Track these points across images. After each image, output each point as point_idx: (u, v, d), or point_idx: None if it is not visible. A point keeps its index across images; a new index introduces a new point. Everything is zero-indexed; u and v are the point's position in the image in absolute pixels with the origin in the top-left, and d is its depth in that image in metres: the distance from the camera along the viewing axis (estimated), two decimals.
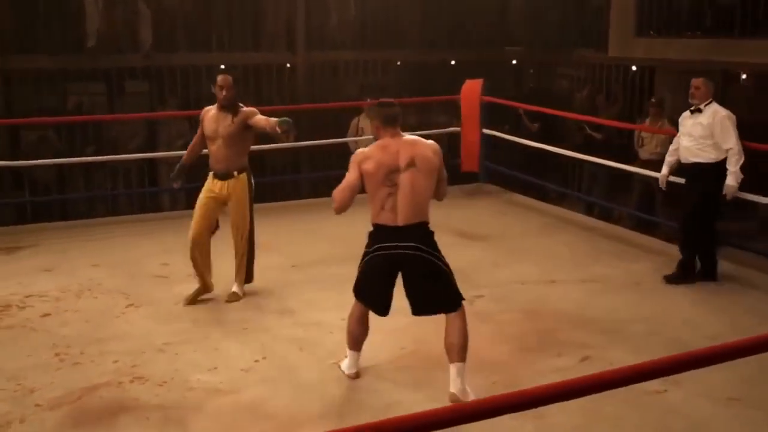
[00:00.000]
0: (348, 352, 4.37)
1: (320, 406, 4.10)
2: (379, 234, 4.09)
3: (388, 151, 4.06)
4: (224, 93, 5.35)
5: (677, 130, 6.14)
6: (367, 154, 4.09)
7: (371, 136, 9.58)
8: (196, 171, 5.96)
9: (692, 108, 5.82)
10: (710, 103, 5.75)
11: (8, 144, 8.82)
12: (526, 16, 11.65)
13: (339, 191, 4.10)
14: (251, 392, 4.24)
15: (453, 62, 11.19)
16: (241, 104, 5.45)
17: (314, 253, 6.67)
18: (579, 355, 4.65)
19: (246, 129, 5.39)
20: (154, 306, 5.45)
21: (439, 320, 4.20)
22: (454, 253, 6.69)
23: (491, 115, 8.99)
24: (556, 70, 11.75)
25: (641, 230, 7.64)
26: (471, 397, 3.97)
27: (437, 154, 4.13)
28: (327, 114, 9.94)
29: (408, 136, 4.18)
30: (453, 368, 4.04)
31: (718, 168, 5.69)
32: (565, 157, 8.51)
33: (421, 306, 4.14)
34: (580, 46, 10.74)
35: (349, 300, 4.48)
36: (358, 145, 9.92)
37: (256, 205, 5.70)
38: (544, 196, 9.08)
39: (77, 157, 8.63)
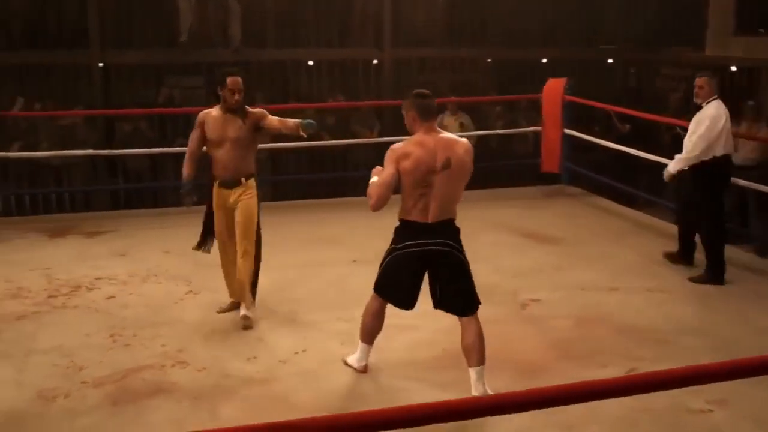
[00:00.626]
0: (360, 345, 4.37)
1: (348, 402, 4.11)
2: (408, 230, 4.05)
3: (426, 149, 3.97)
4: (236, 97, 4.97)
5: None
6: (405, 150, 4.00)
7: (454, 133, 9.56)
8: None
9: (697, 106, 5.87)
10: (713, 101, 5.76)
11: (104, 134, 9.27)
12: (622, 13, 11.23)
13: (376, 187, 4.02)
14: (284, 383, 4.30)
15: (544, 60, 10.94)
16: (246, 105, 5.12)
17: (378, 249, 6.67)
18: (626, 367, 4.43)
19: (257, 131, 5.05)
20: (211, 294, 5.59)
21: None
22: (518, 254, 6.66)
23: (580, 116, 8.74)
24: (655, 69, 11.28)
25: (729, 240, 7.24)
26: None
27: (470, 153, 4.06)
28: None
29: (443, 134, 4.10)
30: (473, 372, 3.99)
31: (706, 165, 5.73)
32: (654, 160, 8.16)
33: (442, 302, 4.11)
34: (676, 44, 10.27)
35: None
36: None
37: (340, 200, 5.64)
38: (631, 201, 8.74)
39: (170, 146, 8.99)
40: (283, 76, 9.95)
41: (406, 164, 3.97)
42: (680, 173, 5.94)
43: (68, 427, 3.84)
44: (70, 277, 5.99)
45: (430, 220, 3.99)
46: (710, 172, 5.76)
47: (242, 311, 5.05)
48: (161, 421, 3.89)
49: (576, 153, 8.83)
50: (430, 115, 4.05)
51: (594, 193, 8.68)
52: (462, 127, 9.71)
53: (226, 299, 5.43)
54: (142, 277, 6.00)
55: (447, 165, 3.96)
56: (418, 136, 4.04)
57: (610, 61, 11.50)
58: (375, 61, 10.23)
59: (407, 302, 4.15)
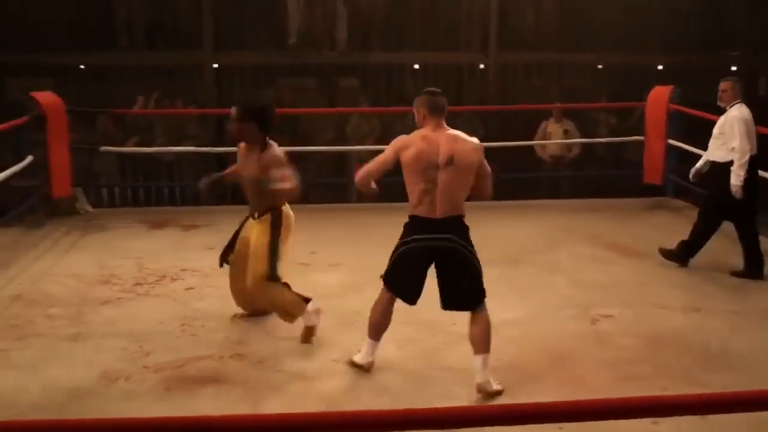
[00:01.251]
0: (367, 341, 4.36)
1: (388, 404, 4.11)
2: (415, 225, 4.14)
3: (430, 143, 4.08)
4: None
5: None
6: (408, 141, 4.13)
7: (558, 140, 9.33)
8: None
9: (722, 110, 6.08)
10: (736, 104, 5.96)
11: (215, 132, 9.69)
12: (747, 16, 10.57)
13: (370, 163, 4.26)
14: (332, 382, 4.35)
15: (660, 67, 10.47)
16: (271, 141, 4.80)
17: None
18: (686, 392, 4.21)
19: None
20: None
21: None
22: (601, 267, 6.43)
23: (693, 127, 8.32)
24: None
25: None
26: (495, 386, 4.13)
27: (477, 151, 4.12)
28: (517, 116, 9.79)
29: (451, 131, 4.14)
30: (478, 360, 4.14)
31: (727, 167, 5.89)
32: None
33: (451, 300, 4.22)
34: None
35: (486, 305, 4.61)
36: (544, 150, 9.71)
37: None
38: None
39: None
40: (388, 80, 10.05)
41: (407, 155, 4.09)
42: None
43: (120, 408, 4.04)
44: (159, 267, 6.32)
45: (437, 216, 4.06)
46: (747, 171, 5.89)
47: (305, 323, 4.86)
48: (204, 408, 4.02)
49: (685, 165, 8.41)
50: (438, 111, 4.15)
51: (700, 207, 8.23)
52: (566, 134, 9.48)
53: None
54: (223, 272, 6.18)
55: (450, 162, 4.03)
56: (424, 131, 4.15)
57: (734, 68, 10.84)
58: (482, 66, 10.15)
59: (412, 296, 4.26)
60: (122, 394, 4.22)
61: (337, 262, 6.46)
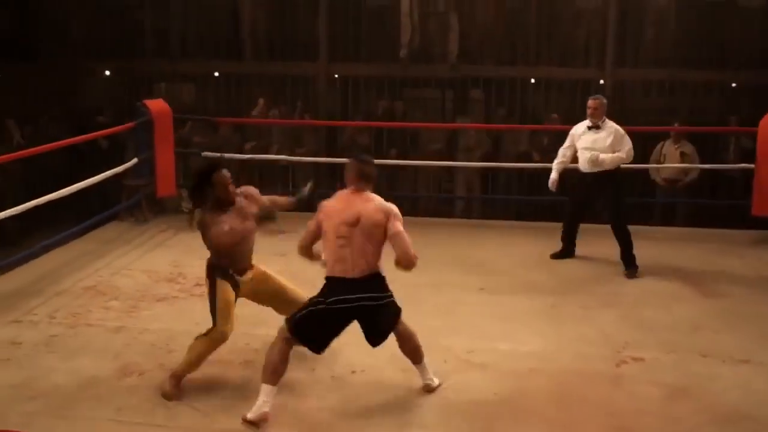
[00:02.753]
0: (264, 387, 4.10)
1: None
2: (333, 285, 4.21)
3: (341, 203, 4.29)
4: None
5: None
6: (325, 204, 4.36)
7: (674, 164, 8.80)
8: None
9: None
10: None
11: (327, 140, 10.02)
12: None
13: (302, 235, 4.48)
14: (329, 398, 4.43)
15: None
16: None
17: (513, 283, 6.45)
18: None
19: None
20: None
21: None
22: (666, 305, 6.05)
23: None
24: None
25: None
26: (435, 382, 4.45)
27: (380, 211, 4.20)
28: (632, 136, 9.26)
29: (366, 195, 4.27)
30: (419, 368, 4.45)
31: None
32: None
33: (378, 338, 4.33)
34: None
35: (515, 335, 4.92)
36: (659, 172, 9.14)
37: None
38: None
39: (381, 157, 9.47)
40: (500, 94, 9.90)
41: (321, 216, 4.33)
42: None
43: (121, 401, 4.36)
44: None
45: (353, 275, 4.17)
46: None
47: None
48: (192, 410, 4.25)
49: None
50: (363, 178, 4.30)
51: None
52: (683, 157, 8.88)
53: None
54: (285, 278, 6.45)
55: (356, 221, 4.16)
56: (342, 193, 4.36)
57: None
58: (601, 82, 9.73)
59: (321, 348, 4.30)
60: (129, 388, 4.52)
61: (391, 278, 6.48)
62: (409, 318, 5.48)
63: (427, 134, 9.78)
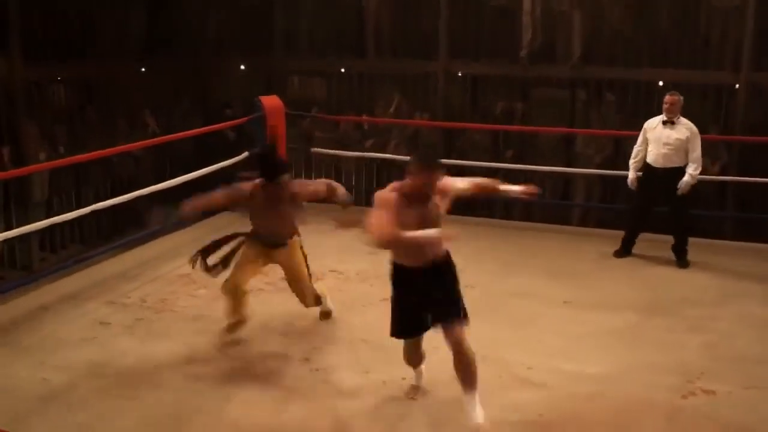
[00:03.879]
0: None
1: None
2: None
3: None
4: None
5: None
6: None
7: None
8: None
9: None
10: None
11: (445, 139, 9.96)
12: None
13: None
14: (399, 406, 4.44)
15: None
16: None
17: (603, 298, 6.16)
18: None
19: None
20: None
21: None
22: (763, 336, 5.48)
23: None
24: None
25: None
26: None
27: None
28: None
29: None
30: (467, 397, 4.09)
31: None
32: None
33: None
34: None
35: (584, 355, 4.84)
36: None
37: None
38: None
39: (499, 158, 9.30)
40: (623, 96, 9.42)
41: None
42: None
43: (179, 386, 4.59)
44: (316, 265, 6.71)
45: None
46: None
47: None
48: (240, 402, 4.42)
49: None
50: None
51: None
52: None
53: None
54: (362, 278, 6.53)
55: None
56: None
57: None
58: (736, 86, 9.02)
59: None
60: (189, 374, 4.74)
61: (474, 284, 6.37)
62: (480, 327, 5.39)
63: (546, 136, 9.49)
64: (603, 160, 9.27)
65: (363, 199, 10.11)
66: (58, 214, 6.82)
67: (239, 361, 4.95)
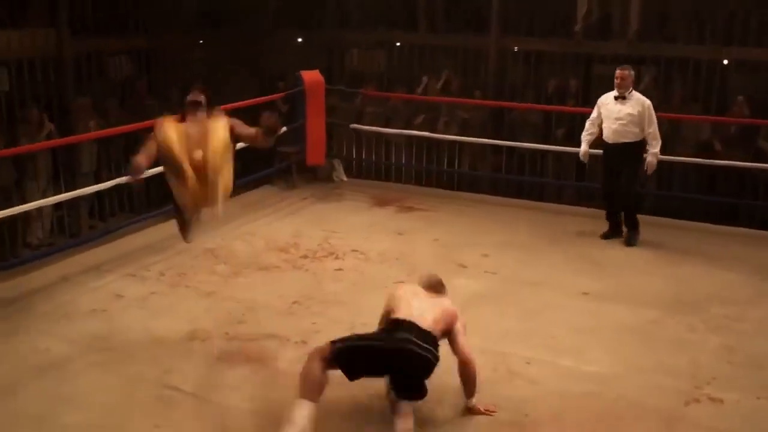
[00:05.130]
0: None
1: None
2: None
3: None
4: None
5: None
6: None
7: None
8: None
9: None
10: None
11: (494, 117, 9.66)
12: None
13: None
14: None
15: None
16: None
17: (638, 287, 5.88)
18: None
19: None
20: None
21: None
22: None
23: None
24: None
25: None
26: None
27: None
28: None
29: None
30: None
31: None
32: None
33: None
34: None
35: (588, 351, 4.67)
36: None
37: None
38: None
39: (549, 138, 8.97)
40: (683, 75, 8.89)
41: None
42: None
43: (173, 364, 4.62)
44: (338, 243, 6.73)
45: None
46: None
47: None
48: (228, 382, 4.41)
49: None
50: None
51: None
52: None
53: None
54: (384, 258, 6.43)
55: None
56: None
57: None
58: None
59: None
60: (186, 351, 4.78)
61: (496, 270, 6.19)
62: (488, 316, 5.29)
63: None
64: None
65: (412, 175, 10.00)
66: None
67: (237, 340, 4.94)
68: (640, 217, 6.95)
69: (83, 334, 4.99)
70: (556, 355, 4.75)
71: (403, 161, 9.87)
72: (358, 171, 9.73)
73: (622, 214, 6.93)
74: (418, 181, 9.67)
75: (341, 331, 5.00)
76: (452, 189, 9.12)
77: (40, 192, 7.91)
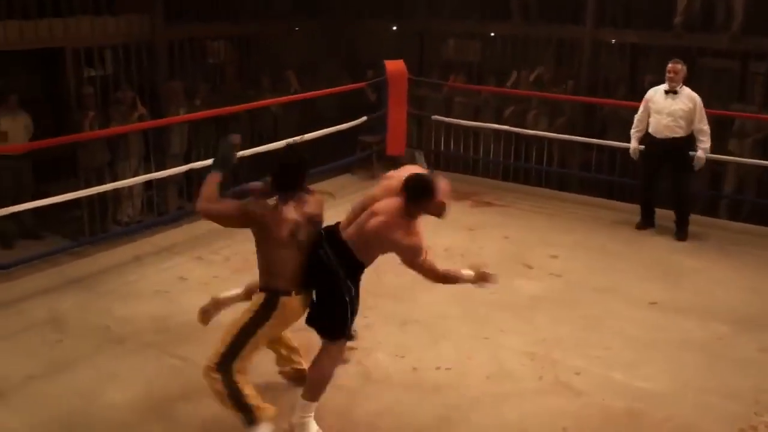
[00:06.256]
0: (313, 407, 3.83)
1: None
2: None
3: None
4: None
5: None
6: None
7: None
8: None
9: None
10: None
11: (585, 111, 9.31)
12: None
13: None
14: (393, 388, 4.33)
15: None
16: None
17: (713, 300, 5.54)
18: None
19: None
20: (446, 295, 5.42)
21: None
22: None
23: None
24: None
25: None
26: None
27: None
28: None
29: None
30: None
31: None
32: None
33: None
34: None
35: (643, 367, 4.49)
36: None
37: None
38: None
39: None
40: None
41: None
42: None
43: (183, 353, 4.70)
44: None
45: None
46: None
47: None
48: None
49: None
50: None
51: None
52: None
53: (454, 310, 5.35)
54: (449, 255, 6.29)
55: None
56: None
57: None
58: None
59: None
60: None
61: (561, 273, 5.98)
62: (541, 322, 5.13)
63: None
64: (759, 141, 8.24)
65: (500, 170, 9.77)
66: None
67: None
68: (725, 222, 6.58)
69: (143, 315, 5.17)
70: (608, 367, 4.54)
71: (491, 155, 9.66)
72: (446, 163, 9.59)
73: (675, 212, 6.83)
74: (506, 176, 9.43)
75: (392, 327, 5.05)
76: (539, 185, 8.87)
77: (131, 172, 8.24)
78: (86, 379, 4.39)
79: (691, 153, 6.69)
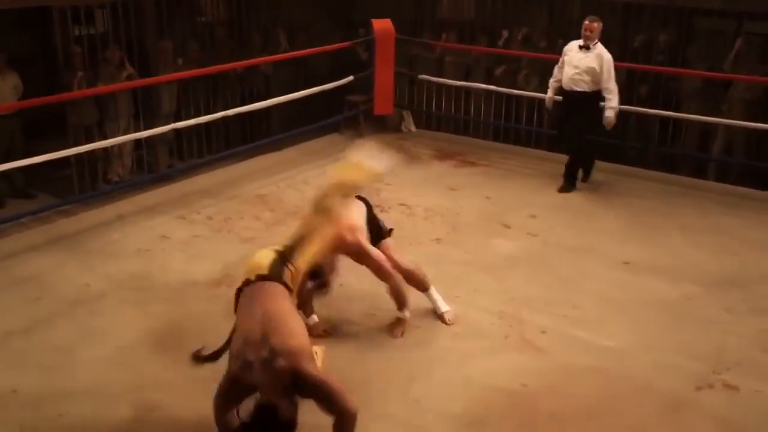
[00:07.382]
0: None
1: None
2: None
3: None
4: None
5: None
6: None
7: None
8: None
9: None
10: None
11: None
12: None
13: None
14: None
15: None
16: None
17: (689, 261, 5.59)
18: None
19: None
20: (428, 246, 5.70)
21: None
22: None
23: None
24: None
25: None
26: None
27: None
28: None
29: None
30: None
31: None
32: None
33: None
34: None
35: (608, 326, 4.57)
36: None
37: None
38: None
39: (632, 98, 8.49)
40: None
41: None
42: None
43: (197, 307, 4.82)
44: (389, 196, 6.69)
45: None
46: None
47: None
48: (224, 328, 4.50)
49: None
50: None
51: None
52: None
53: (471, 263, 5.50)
54: (429, 214, 6.37)
55: None
56: None
57: None
58: None
59: None
60: (208, 298, 4.96)
61: (538, 232, 6.03)
62: (517, 281, 5.20)
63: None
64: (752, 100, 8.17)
65: (490, 131, 9.73)
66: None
67: None
68: (710, 184, 6.61)
69: (123, 273, 5.27)
70: (574, 326, 4.63)
71: (482, 115, 9.63)
72: (436, 123, 9.57)
73: (568, 159, 7.08)
74: (496, 136, 9.41)
75: (366, 289, 5.11)
76: (528, 146, 8.86)
77: (120, 131, 8.28)
78: (64, 336, 4.50)
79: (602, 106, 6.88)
